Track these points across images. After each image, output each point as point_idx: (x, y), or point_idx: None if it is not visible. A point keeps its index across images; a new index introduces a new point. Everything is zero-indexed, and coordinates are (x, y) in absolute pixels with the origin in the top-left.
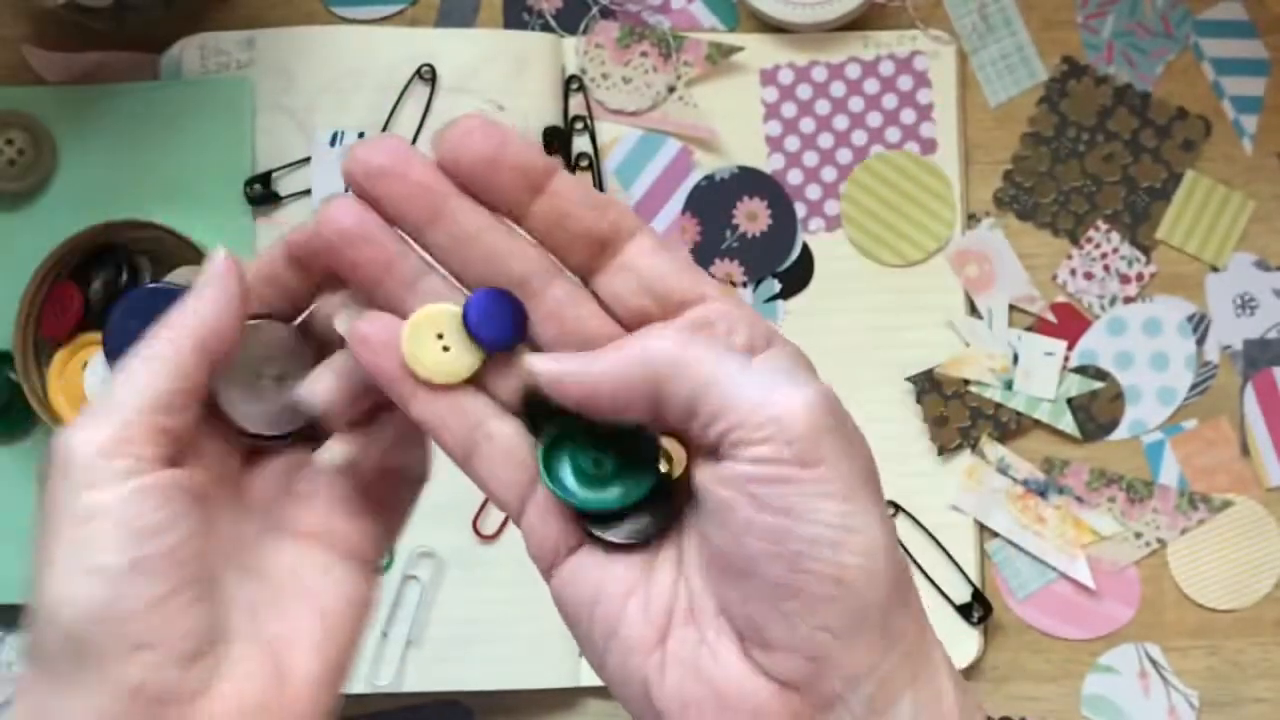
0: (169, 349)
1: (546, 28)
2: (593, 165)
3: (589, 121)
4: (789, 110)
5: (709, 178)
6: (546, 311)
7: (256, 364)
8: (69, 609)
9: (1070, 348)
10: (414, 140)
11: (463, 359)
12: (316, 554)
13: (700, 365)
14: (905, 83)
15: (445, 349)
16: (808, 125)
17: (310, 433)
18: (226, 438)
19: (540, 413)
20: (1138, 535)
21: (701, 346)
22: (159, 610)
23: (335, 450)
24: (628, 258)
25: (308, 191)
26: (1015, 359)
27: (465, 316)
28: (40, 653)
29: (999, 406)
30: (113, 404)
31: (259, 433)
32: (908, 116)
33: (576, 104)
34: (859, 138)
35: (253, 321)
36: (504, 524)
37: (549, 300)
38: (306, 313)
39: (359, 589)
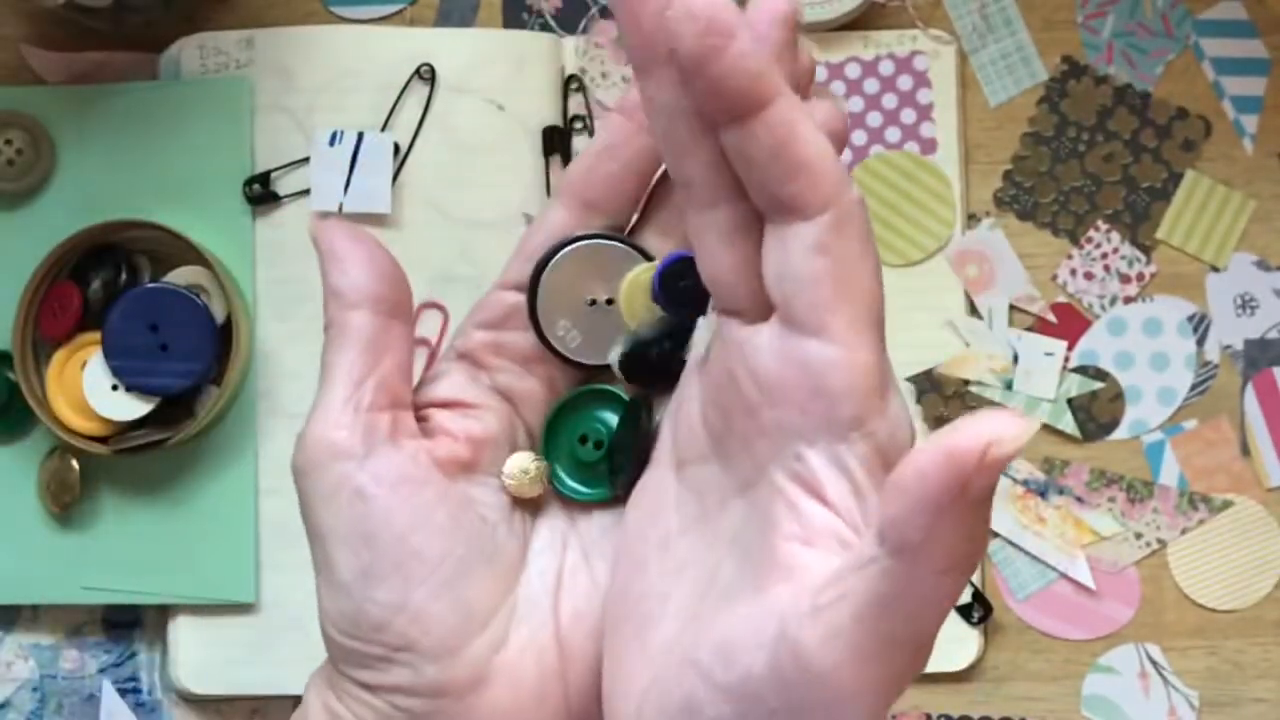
0: (331, 331)
1: (546, 27)
2: None
3: (589, 121)
4: None
5: None
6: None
7: (579, 291)
8: (325, 624)
9: (1070, 348)
10: (413, 139)
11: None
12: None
13: None
14: (905, 83)
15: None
16: None
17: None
18: (522, 390)
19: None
20: (1138, 535)
21: None
22: (405, 609)
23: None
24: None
25: (307, 191)
26: (1015, 359)
27: (654, 290)
28: (328, 654)
29: (999, 407)
30: (319, 406)
31: (591, 363)
32: (908, 116)
33: (576, 104)
34: (859, 138)
35: (566, 249)
36: None
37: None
38: (634, 220)
39: None
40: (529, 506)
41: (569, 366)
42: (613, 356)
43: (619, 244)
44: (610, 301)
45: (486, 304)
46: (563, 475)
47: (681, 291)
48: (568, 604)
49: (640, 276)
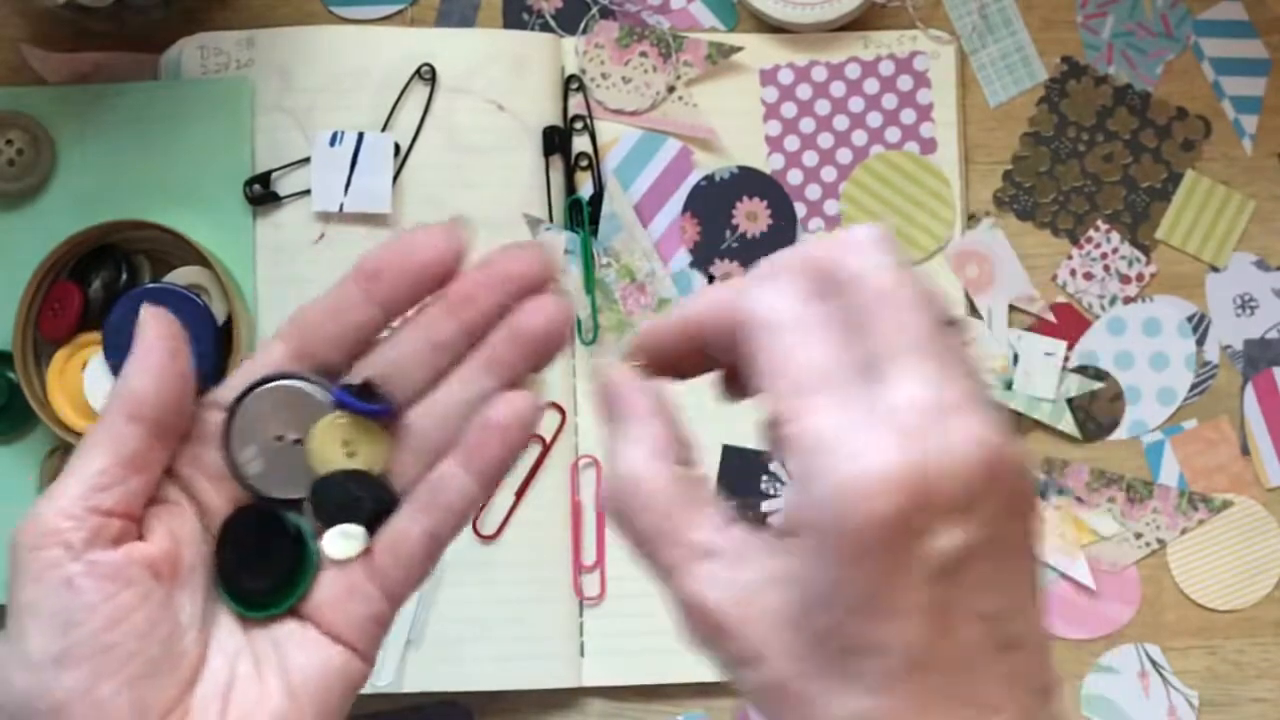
0: (103, 423)
1: (546, 28)
2: (592, 165)
3: (589, 121)
4: (789, 110)
5: (709, 178)
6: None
7: (272, 425)
8: (4, 694)
9: (1070, 348)
10: (413, 139)
11: (371, 457)
12: (304, 631)
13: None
14: (905, 83)
15: (351, 454)
16: (808, 125)
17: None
18: (208, 503)
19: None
20: (1138, 535)
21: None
22: (88, 697)
23: (352, 541)
24: None
25: (307, 191)
26: (1015, 359)
27: (340, 402)
28: None
29: (999, 407)
30: (57, 488)
31: (274, 496)
32: (908, 116)
33: (576, 104)
34: (859, 138)
35: (271, 384)
36: (504, 524)
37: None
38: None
39: (346, 674)
40: (210, 612)
41: (251, 494)
42: (303, 491)
43: (322, 390)
44: (298, 441)
45: (197, 418)
46: (230, 593)
47: (360, 390)
48: (235, 711)
49: (333, 422)
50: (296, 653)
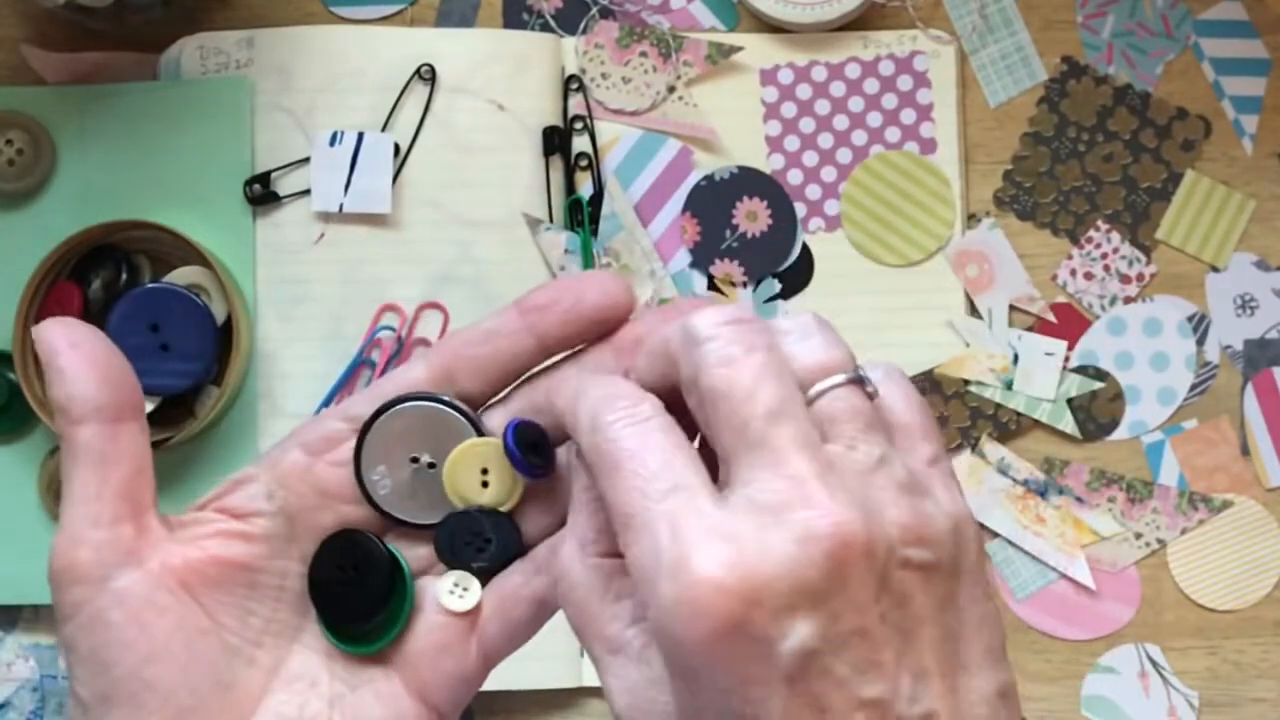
0: (64, 443)
1: (546, 28)
2: (592, 165)
3: (589, 121)
4: (789, 110)
5: (709, 178)
6: None
7: (407, 446)
8: None
9: (1070, 348)
10: (413, 139)
11: (504, 488)
12: (387, 680)
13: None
14: (905, 83)
15: (485, 484)
16: (808, 125)
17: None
18: (310, 520)
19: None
20: (1138, 535)
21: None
22: None
23: (469, 594)
24: None
25: (307, 191)
26: (1015, 359)
27: (506, 448)
28: None
29: (999, 407)
30: (62, 519)
31: (401, 518)
32: (908, 116)
33: (576, 104)
34: (859, 138)
35: (411, 404)
36: None
37: None
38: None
39: None
40: (286, 635)
41: (370, 513)
42: (433, 520)
43: (462, 416)
44: (432, 465)
45: (313, 427)
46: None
47: (530, 446)
48: None
49: (474, 448)
50: (373, 703)
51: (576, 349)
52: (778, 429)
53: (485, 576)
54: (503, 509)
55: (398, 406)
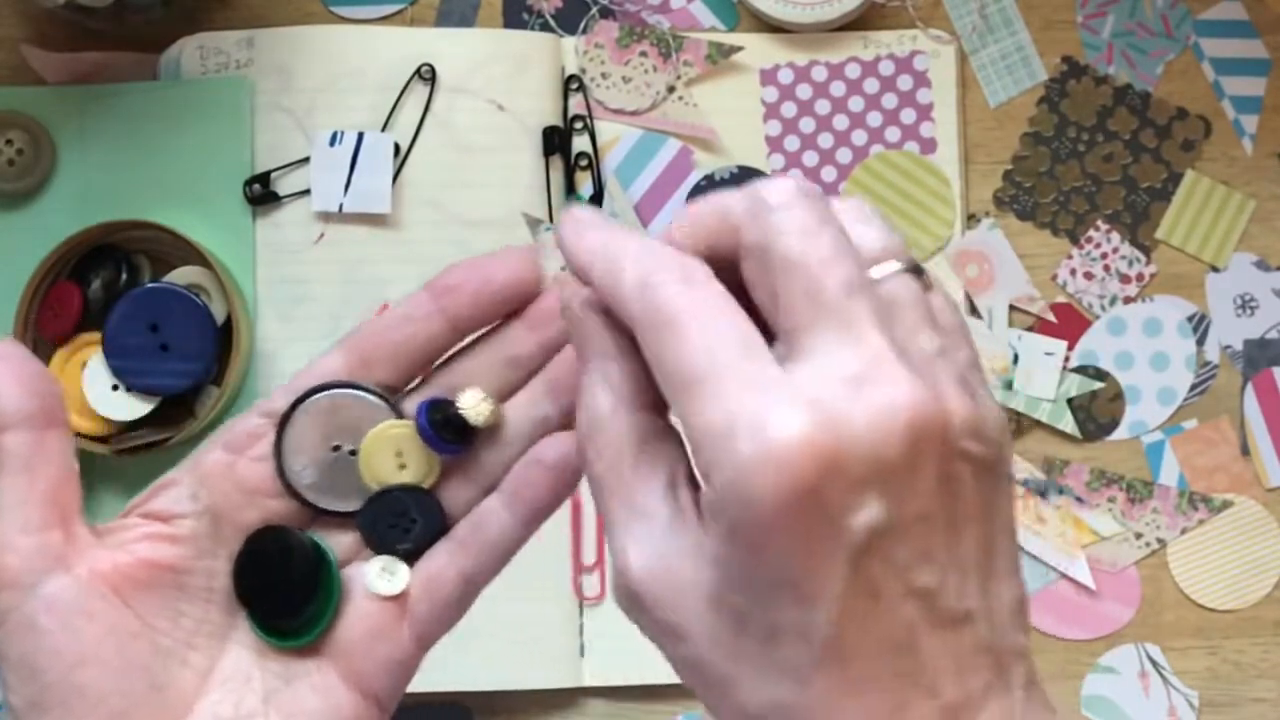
0: None
1: (546, 27)
2: (592, 165)
3: (589, 121)
4: (789, 110)
5: (709, 177)
6: None
7: (327, 435)
8: None
9: (1070, 348)
10: (413, 139)
11: (420, 468)
12: (321, 671)
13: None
14: (905, 82)
15: (402, 466)
16: (808, 125)
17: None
18: (238, 518)
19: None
20: (1138, 535)
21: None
22: None
23: (397, 577)
24: None
25: (307, 191)
26: (1015, 359)
27: (419, 427)
28: None
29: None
30: None
31: (326, 508)
32: (908, 116)
33: (576, 104)
34: (859, 137)
35: (328, 393)
36: None
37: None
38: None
39: None
40: (218, 634)
41: (294, 506)
42: (352, 507)
43: (380, 401)
44: (353, 453)
45: (234, 426)
46: (250, 617)
47: (444, 424)
48: None
49: (387, 431)
50: (309, 696)
51: (490, 328)
52: (856, 302)
53: (412, 558)
54: (423, 488)
55: (314, 397)
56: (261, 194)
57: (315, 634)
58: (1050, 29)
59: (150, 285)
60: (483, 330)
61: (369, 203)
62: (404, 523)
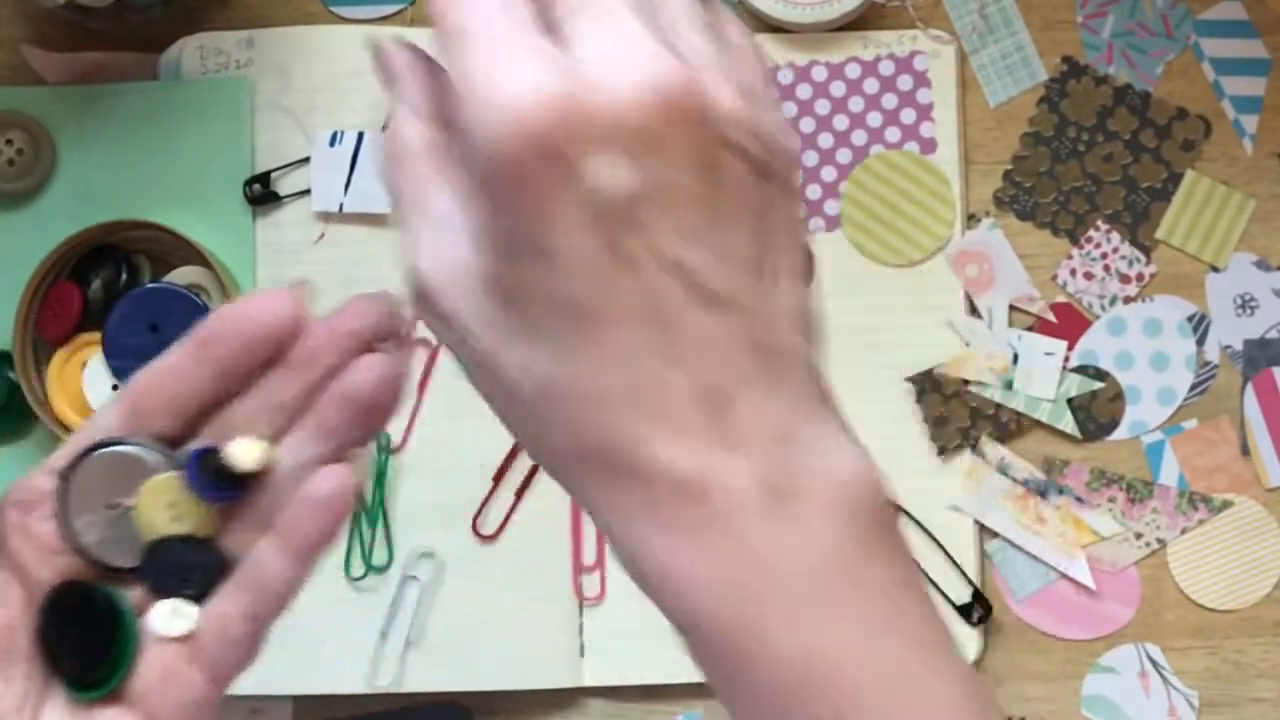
0: None
1: None
2: None
3: None
4: (789, 110)
5: None
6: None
7: (106, 492)
8: None
9: (1070, 348)
10: None
11: (195, 517)
12: (125, 718)
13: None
14: (905, 83)
15: (176, 517)
16: (808, 125)
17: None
18: (39, 577)
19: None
20: (1138, 535)
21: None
22: None
23: (183, 619)
24: None
25: (307, 191)
26: (1015, 359)
27: (189, 477)
28: None
29: (999, 407)
30: None
31: (112, 564)
32: (907, 116)
33: None
34: (859, 137)
35: (106, 450)
36: (504, 524)
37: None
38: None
39: None
40: (42, 693)
41: (88, 563)
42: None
43: (157, 454)
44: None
45: (22, 485)
46: (56, 672)
47: (214, 472)
48: None
49: (159, 483)
50: None
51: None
52: None
53: (199, 601)
54: (199, 536)
55: (92, 454)
56: (261, 194)
57: (115, 683)
58: (1050, 29)
59: (150, 285)
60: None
61: (369, 203)
62: (182, 571)
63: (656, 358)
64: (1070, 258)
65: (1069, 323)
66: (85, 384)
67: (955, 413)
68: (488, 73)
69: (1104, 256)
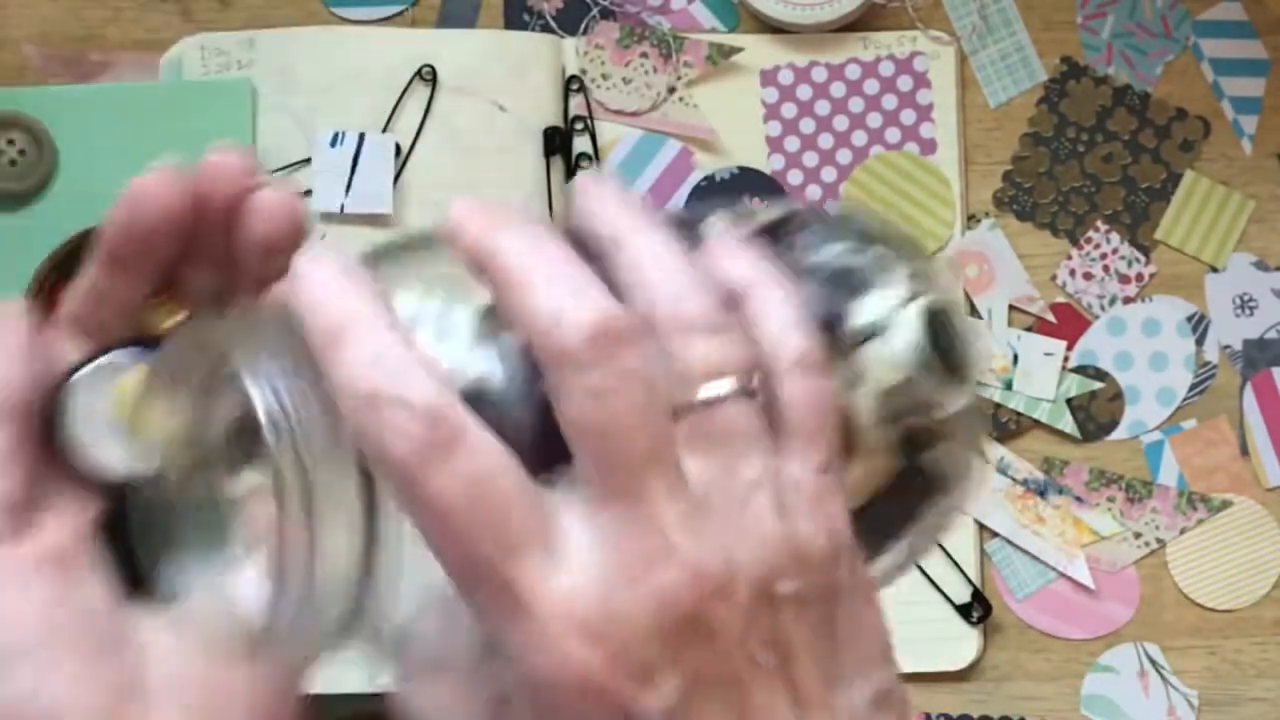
0: None
1: (547, 28)
2: (593, 166)
3: (589, 122)
4: (789, 111)
5: (709, 178)
6: None
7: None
8: None
9: (1070, 348)
10: (414, 140)
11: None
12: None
13: None
14: (905, 83)
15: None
16: (808, 126)
17: None
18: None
19: None
20: (1137, 535)
21: None
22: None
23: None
24: None
25: (308, 192)
26: (1015, 359)
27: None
28: None
29: (999, 406)
30: None
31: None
32: (907, 117)
33: (577, 104)
34: (859, 138)
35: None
36: None
37: None
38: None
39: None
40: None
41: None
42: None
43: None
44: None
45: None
46: None
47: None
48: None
49: (131, 380)
50: None
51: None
52: (649, 480)
53: None
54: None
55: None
56: None
57: None
58: (1050, 29)
59: None
60: None
61: (370, 203)
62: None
63: None
64: (1070, 258)
65: (1068, 323)
66: None
67: None
68: (536, 628)
69: (1103, 257)
